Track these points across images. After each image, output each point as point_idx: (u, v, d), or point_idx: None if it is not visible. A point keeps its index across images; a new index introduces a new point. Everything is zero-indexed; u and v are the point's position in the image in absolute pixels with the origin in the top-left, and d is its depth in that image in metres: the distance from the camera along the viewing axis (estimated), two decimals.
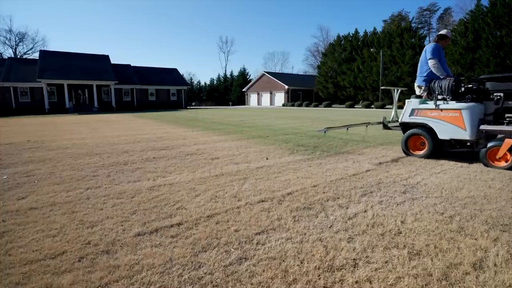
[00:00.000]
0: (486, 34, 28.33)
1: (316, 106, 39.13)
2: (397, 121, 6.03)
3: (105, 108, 33.39)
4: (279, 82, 49.10)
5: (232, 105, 57.49)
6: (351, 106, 35.32)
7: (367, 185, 3.60)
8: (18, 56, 55.23)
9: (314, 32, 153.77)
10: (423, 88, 5.10)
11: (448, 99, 4.69)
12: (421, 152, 5.03)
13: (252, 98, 55.03)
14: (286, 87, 47.81)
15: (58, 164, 5.00)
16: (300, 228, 2.45)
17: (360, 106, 34.78)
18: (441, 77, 4.84)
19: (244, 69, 62.41)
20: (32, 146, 7.03)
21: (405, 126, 5.31)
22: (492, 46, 27.49)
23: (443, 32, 5.13)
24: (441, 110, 4.69)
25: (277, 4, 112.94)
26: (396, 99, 6.53)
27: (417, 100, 5.07)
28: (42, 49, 42.22)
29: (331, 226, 2.48)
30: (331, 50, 45.91)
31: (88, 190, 3.53)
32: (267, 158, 5.25)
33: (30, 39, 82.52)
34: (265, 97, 52.39)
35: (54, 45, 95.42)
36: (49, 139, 8.37)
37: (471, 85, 4.59)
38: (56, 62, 32.07)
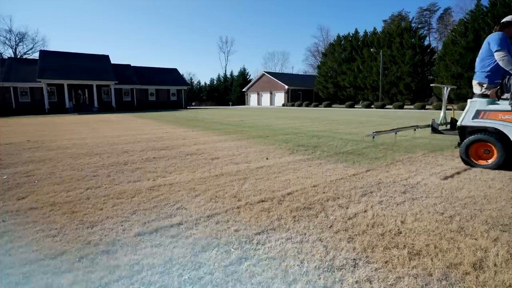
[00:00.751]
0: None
1: (316, 106, 39.13)
2: (446, 123, 5.47)
3: (105, 108, 33.40)
4: (279, 82, 49.10)
5: (232, 105, 57.49)
6: (351, 106, 35.32)
7: (367, 185, 3.60)
8: (18, 56, 55.29)
9: (314, 32, 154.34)
10: (485, 85, 4.31)
11: None
12: (488, 162, 4.26)
13: (252, 98, 55.03)
14: (286, 87, 47.80)
15: (58, 164, 5.00)
16: (300, 228, 2.45)
17: (360, 106, 34.77)
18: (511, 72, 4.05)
19: (244, 69, 62.47)
20: (32, 146, 7.03)
21: (463, 131, 4.54)
22: None
23: (508, 18, 4.20)
24: None
25: (277, 4, 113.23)
26: (446, 98, 5.66)
27: (484, 100, 4.25)
28: (42, 49, 42.30)
29: (331, 226, 2.48)
30: (331, 50, 45.93)
31: (88, 190, 3.53)
32: (267, 158, 5.25)
33: (30, 39, 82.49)
34: (265, 97, 52.39)
35: (54, 45, 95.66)
36: (49, 139, 8.37)
37: None
38: (56, 62, 32.08)
